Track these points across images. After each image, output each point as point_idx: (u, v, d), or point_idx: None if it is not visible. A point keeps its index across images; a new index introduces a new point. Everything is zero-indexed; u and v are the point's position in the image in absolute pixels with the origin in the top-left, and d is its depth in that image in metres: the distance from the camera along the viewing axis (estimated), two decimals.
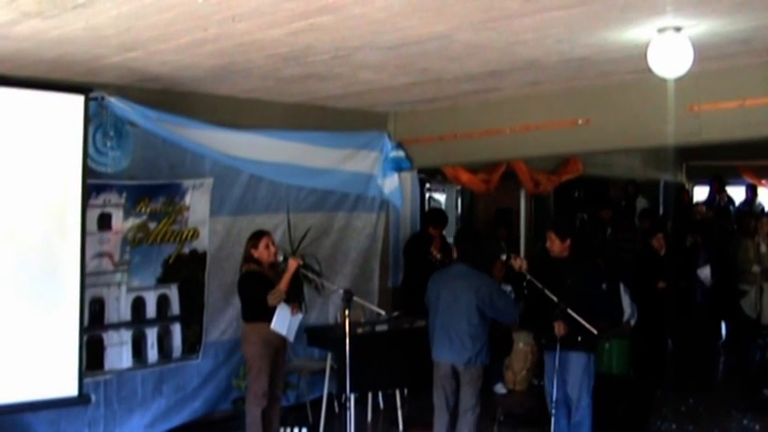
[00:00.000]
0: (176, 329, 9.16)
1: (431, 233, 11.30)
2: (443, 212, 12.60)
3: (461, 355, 7.93)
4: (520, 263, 8.15)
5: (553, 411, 8.02)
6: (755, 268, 12.00)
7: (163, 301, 9.02)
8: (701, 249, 11.85)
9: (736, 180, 16.93)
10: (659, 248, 11.43)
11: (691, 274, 11.63)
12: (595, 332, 7.70)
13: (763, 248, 12.05)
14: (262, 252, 8.22)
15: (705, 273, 11.67)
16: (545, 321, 8.02)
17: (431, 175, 13.06)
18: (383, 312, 9.23)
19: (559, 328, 7.82)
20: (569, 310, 7.68)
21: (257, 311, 8.17)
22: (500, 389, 11.23)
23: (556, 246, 8.18)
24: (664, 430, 9.39)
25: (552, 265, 8.24)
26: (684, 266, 11.51)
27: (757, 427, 9.55)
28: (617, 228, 13.78)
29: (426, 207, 13.00)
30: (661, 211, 17.10)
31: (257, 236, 8.34)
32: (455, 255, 8.39)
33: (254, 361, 8.23)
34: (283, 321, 8.20)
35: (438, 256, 9.85)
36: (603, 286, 8.45)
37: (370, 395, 9.92)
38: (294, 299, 8.49)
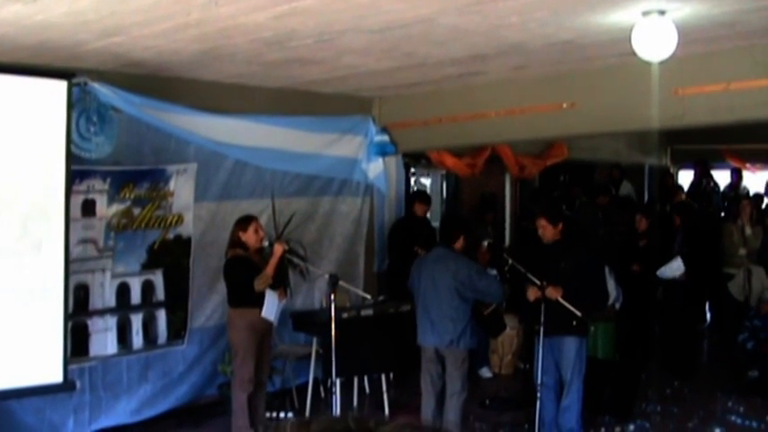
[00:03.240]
0: (161, 315, 9.15)
1: (416, 212, 11.33)
2: (427, 193, 12.66)
3: (443, 337, 7.97)
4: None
5: (538, 395, 8.07)
6: (742, 251, 12.04)
7: (148, 287, 9.01)
8: (678, 232, 11.87)
9: (722, 164, 16.96)
10: (642, 230, 11.50)
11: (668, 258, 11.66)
12: (579, 314, 7.74)
13: (747, 231, 12.08)
14: (250, 236, 8.21)
15: (674, 266, 11.53)
16: (532, 307, 8.05)
17: (416, 160, 13.05)
18: (369, 297, 9.25)
19: (552, 292, 7.83)
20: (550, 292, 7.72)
21: (244, 297, 8.17)
22: (485, 373, 11.25)
23: (548, 231, 8.17)
24: (649, 413, 9.43)
25: (542, 249, 8.26)
26: (663, 250, 11.55)
27: (741, 408, 9.60)
28: (610, 212, 13.85)
29: (411, 191, 12.99)
30: (646, 195, 17.15)
31: (246, 220, 8.32)
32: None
33: (240, 346, 8.23)
34: (272, 308, 8.22)
35: (422, 253, 9.86)
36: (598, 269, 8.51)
37: (355, 379, 9.93)
38: (280, 284, 8.49)
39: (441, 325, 7.97)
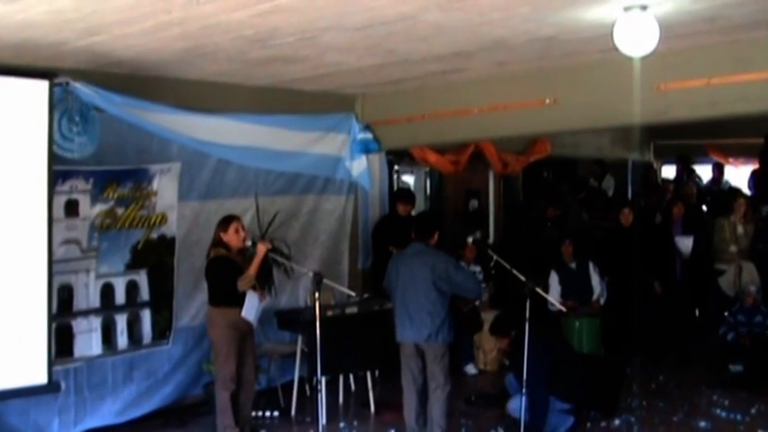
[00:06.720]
0: (146, 315, 9.12)
1: (399, 212, 11.31)
2: (410, 191, 12.64)
3: (421, 332, 7.96)
4: None
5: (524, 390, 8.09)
6: (733, 248, 12.11)
7: (132, 288, 8.97)
8: (678, 222, 12.00)
9: (704, 159, 17.03)
10: (628, 225, 11.59)
11: (666, 250, 11.75)
12: (564, 309, 7.74)
13: (740, 230, 12.15)
14: (231, 236, 8.19)
15: (686, 243, 11.81)
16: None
17: (399, 157, 13.05)
18: (353, 294, 9.26)
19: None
20: (538, 289, 7.71)
21: (225, 296, 8.15)
22: (471, 369, 11.26)
23: None
24: (634, 407, 9.45)
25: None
26: (657, 242, 11.63)
27: (726, 402, 9.64)
28: (591, 207, 13.91)
29: (395, 188, 12.98)
30: (630, 190, 17.20)
31: (227, 220, 8.30)
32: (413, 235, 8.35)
33: (221, 345, 8.21)
34: (252, 308, 8.20)
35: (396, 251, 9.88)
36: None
37: (341, 377, 9.93)
38: (263, 283, 8.48)
39: (418, 319, 7.96)
